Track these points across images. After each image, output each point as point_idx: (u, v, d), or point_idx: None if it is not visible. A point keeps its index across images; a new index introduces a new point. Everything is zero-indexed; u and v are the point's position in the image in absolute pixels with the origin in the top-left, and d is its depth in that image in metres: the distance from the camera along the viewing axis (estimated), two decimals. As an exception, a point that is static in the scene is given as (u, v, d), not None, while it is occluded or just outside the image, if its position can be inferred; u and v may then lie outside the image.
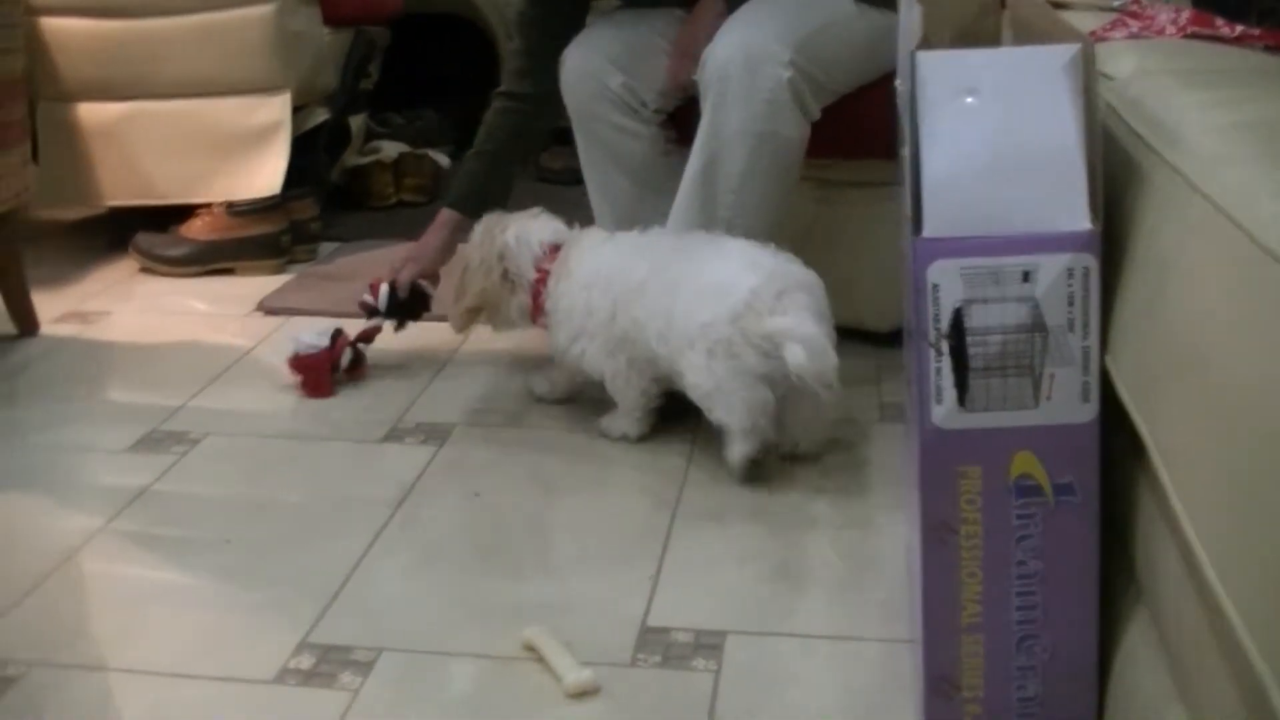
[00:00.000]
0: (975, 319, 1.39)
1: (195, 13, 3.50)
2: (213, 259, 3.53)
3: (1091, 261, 1.37)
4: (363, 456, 2.46)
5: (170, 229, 3.58)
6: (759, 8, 2.55)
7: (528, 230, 2.56)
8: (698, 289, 2.31)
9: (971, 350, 1.39)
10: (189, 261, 3.52)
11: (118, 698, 1.78)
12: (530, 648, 1.83)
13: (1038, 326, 1.38)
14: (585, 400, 2.61)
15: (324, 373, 2.72)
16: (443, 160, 4.25)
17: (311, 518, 2.25)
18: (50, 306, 3.20)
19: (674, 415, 2.50)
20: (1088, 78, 1.39)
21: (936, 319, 1.39)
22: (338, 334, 2.75)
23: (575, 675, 1.75)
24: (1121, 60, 1.70)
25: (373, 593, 2.01)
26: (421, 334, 2.89)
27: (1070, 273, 1.37)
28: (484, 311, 2.62)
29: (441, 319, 2.72)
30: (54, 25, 3.53)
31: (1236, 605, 1.02)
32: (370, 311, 2.81)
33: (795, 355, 2.17)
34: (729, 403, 2.28)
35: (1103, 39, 1.95)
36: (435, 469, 2.39)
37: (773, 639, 1.88)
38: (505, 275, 2.56)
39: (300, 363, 2.72)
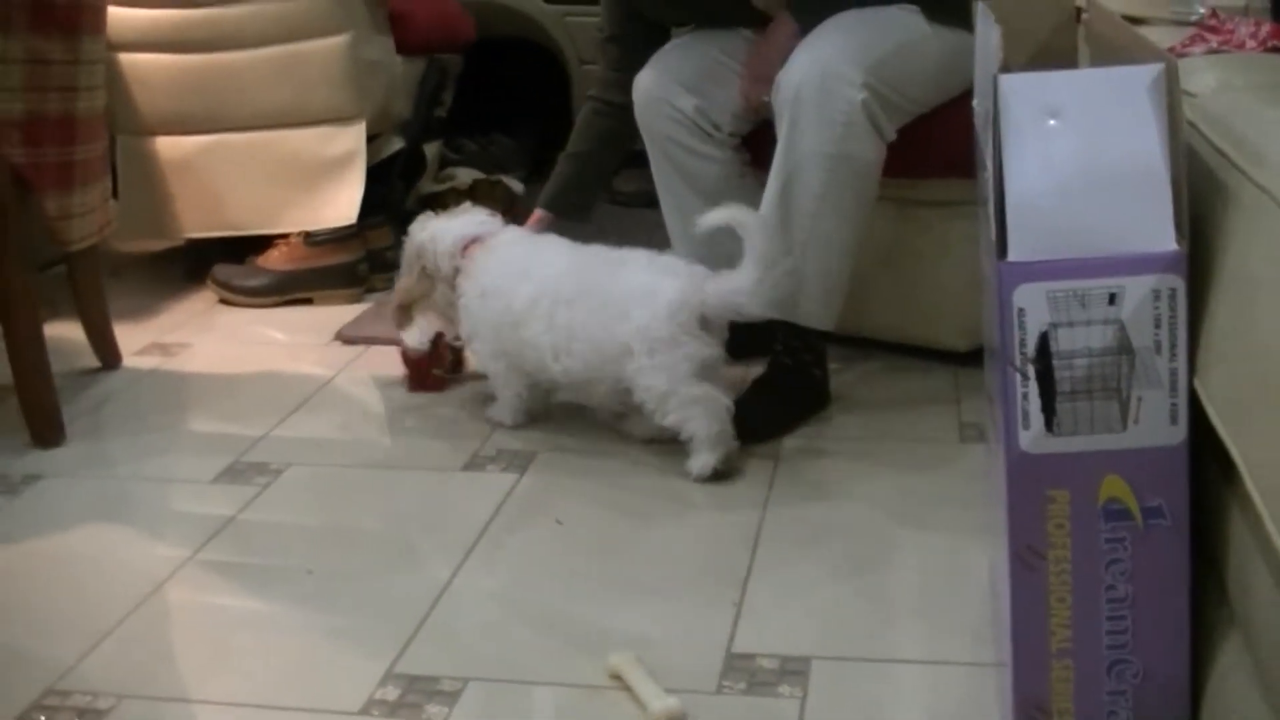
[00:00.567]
0: (1061, 342, 1.38)
1: (271, 45, 3.53)
2: (290, 289, 3.56)
3: (1178, 282, 1.36)
4: (445, 485, 2.47)
5: (248, 260, 3.62)
6: (832, 29, 2.55)
7: (444, 229, 2.75)
8: (616, 299, 2.47)
9: (1058, 374, 1.38)
10: (267, 292, 3.55)
11: (207, 730, 1.80)
12: (616, 676, 1.83)
13: (1124, 349, 1.37)
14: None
15: (425, 371, 2.92)
16: (516, 186, 4.27)
17: (395, 547, 2.26)
18: (132, 339, 3.23)
19: (756, 440, 2.52)
20: (1172, 97, 1.38)
21: (1023, 343, 1.38)
22: (438, 337, 2.89)
23: (661, 703, 1.75)
24: (1203, 76, 1.68)
25: (458, 622, 2.01)
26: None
27: (1156, 294, 1.36)
28: (414, 306, 2.81)
29: None
30: (133, 61, 3.58)
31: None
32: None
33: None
34: (688, 412, 2.40)
35: (1183, 54, 1.93)
36: (517, 497, 2.39)
37: (858, 664, 1.87)
38: (424, 271, 2.75)
39: (408, 357, 2.92)
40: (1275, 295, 1.23)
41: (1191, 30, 2.10)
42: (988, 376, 1.82)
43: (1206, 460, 1.41)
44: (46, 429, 2.66)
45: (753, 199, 2.62)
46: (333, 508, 2.40)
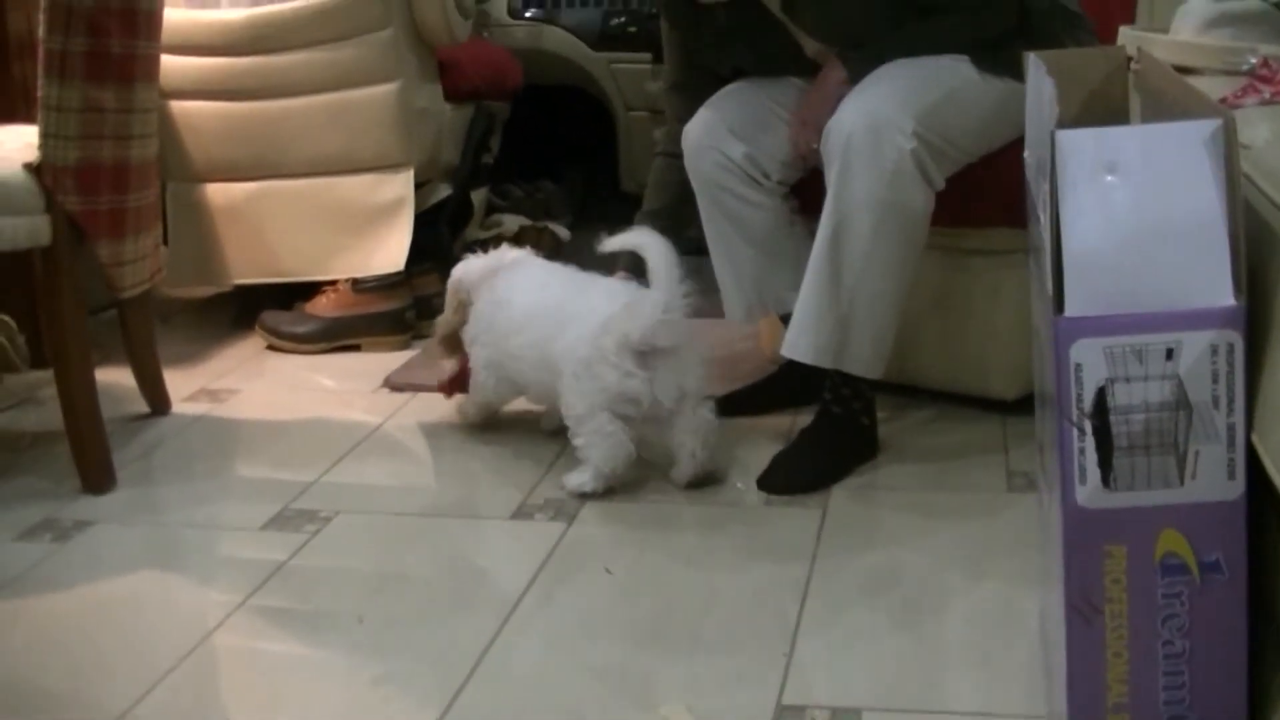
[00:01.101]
0: (1119, 397, 1.37)
1: (321, 93, 3.56)
2: (339, 335, 3.57)
3: (1236, 337, 1.35)
4: (494, 533, 2.48)
5: (295, 306, 3.64)
6: (881, 78, 2.55)
7: (477, 259, 2.91)
8: (562, 318, 2.61)
9: (1115, 429, 1.38)
10: (315, 339, 3.57)
11: (259, 778, 1.81)
12: (667, 727, 1.83)
13: (1182, 404, 1.37)
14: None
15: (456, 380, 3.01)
16: (563, 233, 4.29)
17: (444, 595, 2.26)
18: (181, 385, 3.25)
19: (804, 489, 2.52)
20: (1230, 153, 1.37)
21: (1080, 398, 1.38)
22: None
23: (713, 755, 1.75)
24: (1257, 128, 1.68)
25: (508, 670, 2.01)
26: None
27: (1214, 349, 1.35)
28: (454, 337, 2.92)
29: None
30: (184, 108, 3.61)
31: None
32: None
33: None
34: (593, 440, 2.55)
35: (1235, 105, 1.92)
36: (566, 545, 2.39)
37: (909, 715, 1.86)
38: (460, 304, 2.89)
39: (442, 384, 3.03)
40: (1335, 350, 1.22)
41: (1244, 80, 2.09)
42: (1039, 425, 1.82)
43: (1265, 514, 1.40)
44: (97, 475, 2.67)
45: (802, 247, 2.63)
46: (382, 555, 2.41)
